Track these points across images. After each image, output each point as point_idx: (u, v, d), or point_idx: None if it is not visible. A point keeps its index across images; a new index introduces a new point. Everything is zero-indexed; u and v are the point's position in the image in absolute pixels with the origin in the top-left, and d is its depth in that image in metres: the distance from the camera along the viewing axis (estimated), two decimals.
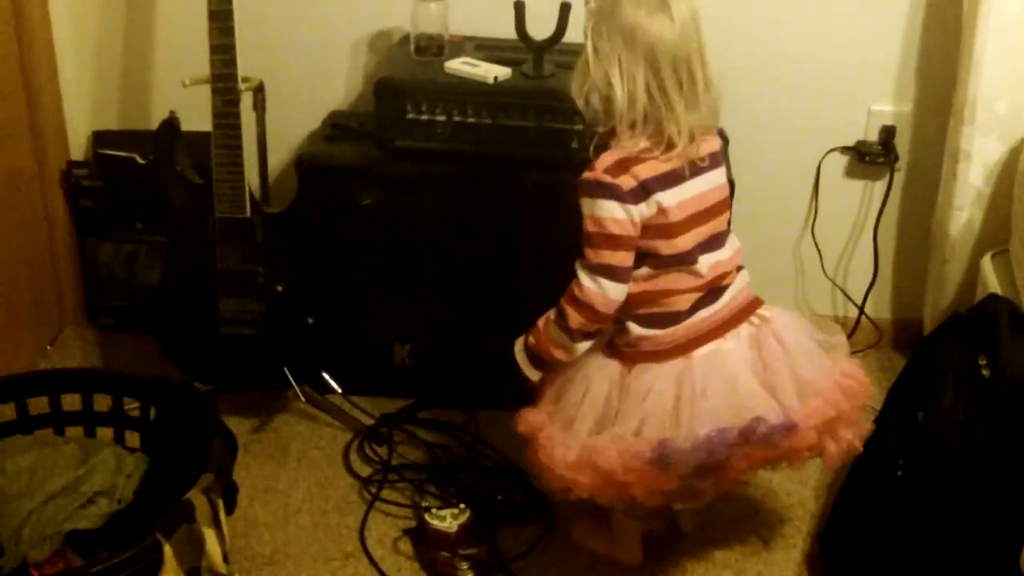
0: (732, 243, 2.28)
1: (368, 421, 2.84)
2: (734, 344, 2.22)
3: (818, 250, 3.11)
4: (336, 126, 2.87)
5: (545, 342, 2.23)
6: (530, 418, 2.27)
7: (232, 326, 2.73)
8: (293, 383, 2.78)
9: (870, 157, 3.01)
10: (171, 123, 2.68)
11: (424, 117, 2.66)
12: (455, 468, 2.72)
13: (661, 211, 2.12)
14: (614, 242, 2.11)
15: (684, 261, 2.17)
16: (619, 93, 2.09)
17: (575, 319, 2.16)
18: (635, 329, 2.20)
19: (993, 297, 2.48)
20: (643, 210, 2.11)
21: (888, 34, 2.92)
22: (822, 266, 3.13)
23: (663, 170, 2.12)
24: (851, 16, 2.90)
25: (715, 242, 2.22)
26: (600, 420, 2.19)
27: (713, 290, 2.22)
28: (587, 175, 2.13)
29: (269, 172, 2.86)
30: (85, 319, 3.20)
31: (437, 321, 2.85)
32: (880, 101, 2.99)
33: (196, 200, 2.66)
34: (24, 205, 2.96)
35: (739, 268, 2.29)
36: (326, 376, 2.82)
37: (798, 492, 2.68)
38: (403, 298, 2.83)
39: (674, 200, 2.13)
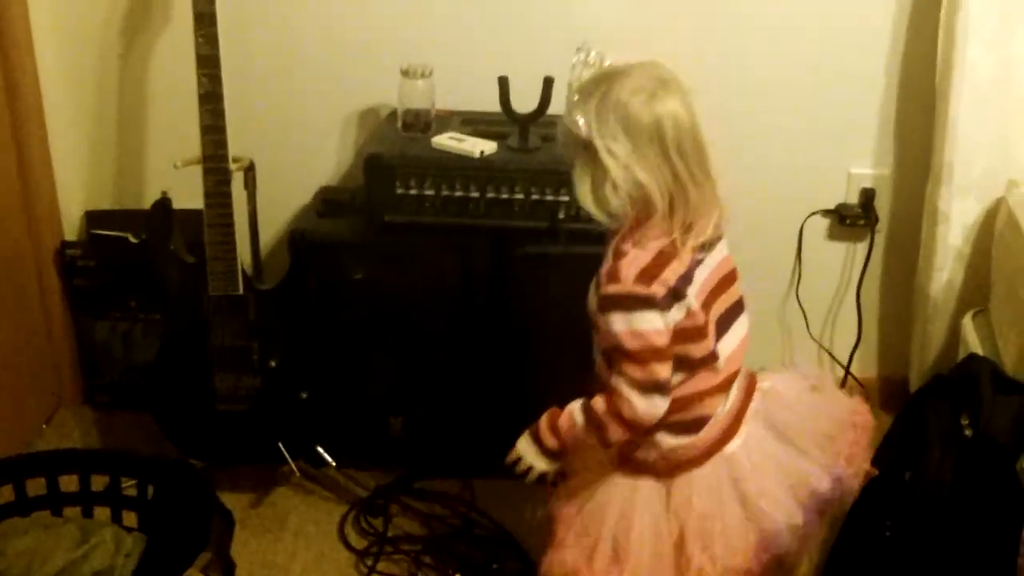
0: (741, 328, 2.16)
1: (363, 493, 2.87)
2: (750, 427, 2.15)
3: (803, 312, 3.15)
4: (327, 201, 2.91)
5: (569, 442, 2.11)
6: (566, 560, 2.13)
7: (227, 402, 2.76)
8: (288, 458, 2.80)
9: (851, 219, 3.06)
10: (164, 203, 2.72)
11: (413, 192, 2.70)
12: (451, 538, 2.74)
13: (690, 313, 2.01)
14: (660, 354, 1.99)
15: (710, 360, 2.07)
16: (652, 189, 1.97)
17: (618, 434, 2.03)
18: (667, 441, 2.09)
19: (973, 357, 2.52)
20: (675, 315, 2.00)
21: (866, 99, 2.98)
22: (807, 327, 3.17)
23: (685, 268, 2.01)
24: (829, 82, 2.96)
25: (726, 321, 2.11)
26: (657, 551, 2.08)
27: (731, 383, 2.15)
28: (615, 288, 1.99)
29: (261, 248, 2.90)
30: (81, 397, 3.22)
31: (430, 392, 2.88)
32: (859, 164, 3.05)
33: (189, 278, 2.70)
34: (19, 285, 3.00)
35: None
36: (320, 450, 2.84)
37: None
38: (396, 370, 2.86)
39: (695, 294, 2.02)
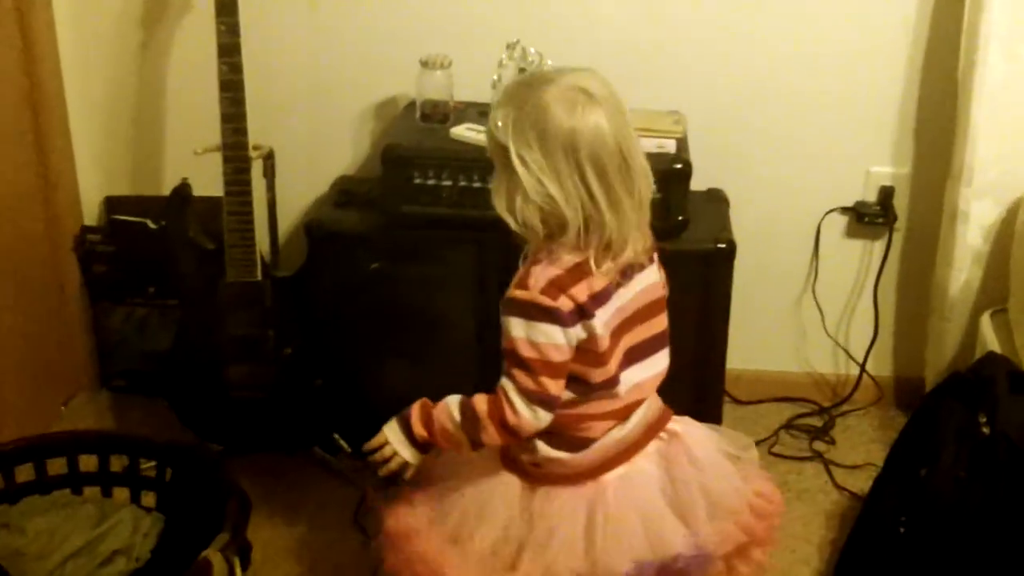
0: (660, 361, 2.09)
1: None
2: (644, 463, 2.06)
3: (819, 309, 3.15)
4: (344, 191, 2.92)
5: (439, 435, 2.01)
6: (406, 517, 2.08)
7: (242, 390, 2.77)
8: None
9: (869, 218, 3.06)
10: (183, 190, 2.74)
11: (430, 183, 2.71)
12: None
13: (592, 337, 1.93)
14: (555, 370, 1.91)
15: (609, 384, 1.99)
16: (563, 205, 1.87)
17: (494, 438, 1.96)
18: (543, 449, 2.02)
19: (991, 356, 2.52)
20: (579, 333, 1.92)
21: (886, 97, 2.98)
22: (823, 325, 3.17)
23: (598, 288, 1.93)
24: (849, 80, 2.96)
25: (641, 352, 2.04)
26: (498, 548, 2.02)
27: (628, 413, 2.06)
28: (521, 294, 1.91)
29: (279, 237, 2.91)
30: (98, 382, 3.24)
31: (444, 382, 2.87)
32: (878, 163, 3.04)
33: (207, 265, 2.71)
34: (38, 270, 3.01)
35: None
36: (336, 437, 2.85)
37: (803, 549, 2.71)
38: (410, 360, 2.87)
39: (603, 320, 1.94)
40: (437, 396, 2.04)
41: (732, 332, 2.84)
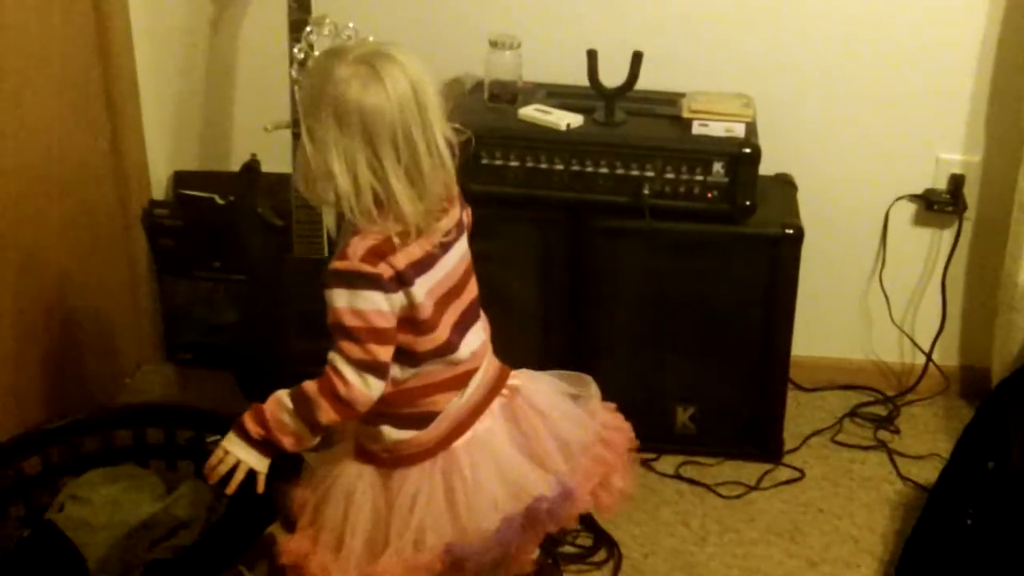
0: (484, 325, 2.14)
1: None
2: (489, 422, 2.07)
3: (886, 297, 3.12)
4: None
5: (276, 429, 1.96)
6: (292, 547, 2.04)
7: (307, 365, 2.78)
8: None
9: (938, 206, 3.02)
10: (252, 165, 2.76)
11: (498, 163, 2.72)
12: None
13: (413, 305, 1.94)
14: (381, 336, 1.91)
15: (444, 351, 2.01)
16: (341, 181, 1.87)
17: (329, 415, 1.93)
18: (390, 433, 2.02)
19: None
20: (400, 299, 1.93)
21: (958, 84, 2.94)
22: (890, 313, 3.14)
23: (417, 256, 1.94)
24: (921, 65, 2.93)
25: (471, 317, 2.09)
26: (371, 538, 2.01)
27: (467, 380, 2.07)
28: (340, 264, 1.90)
29: None
30: (163, 354, 3.27)
31: (507, 360, 2.88)
32: (949, 150, 3.00)
33: (274, 241, 2.73)
34: (107, 243, 3.05)
35: None
36: None
37: (867, 538, 2.69)
38: None
39: (424, 288, 1.95)
40: None
41: (797, 318, 2.82)
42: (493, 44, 2.79)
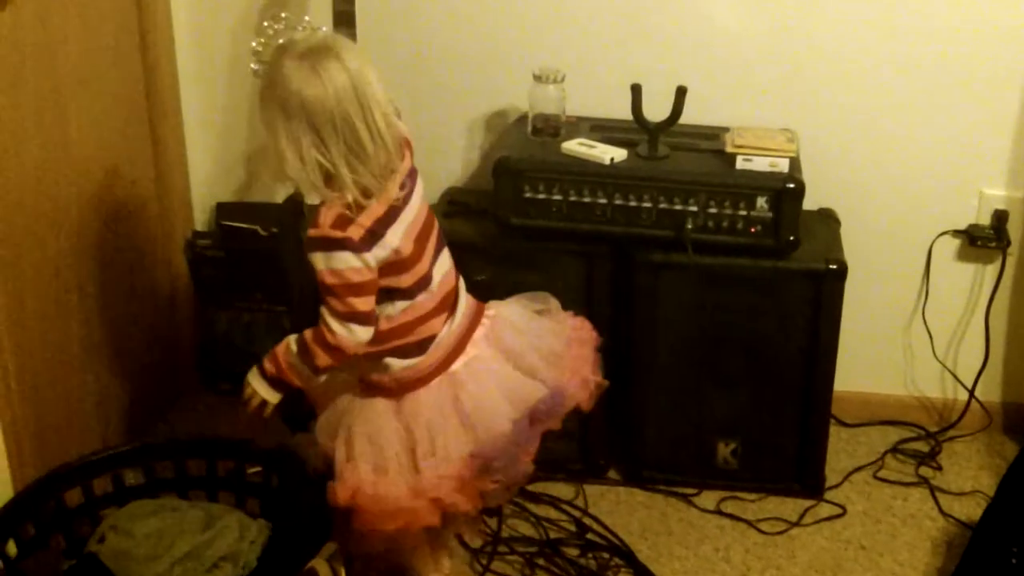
0: (448, 255, 2.35)
1: None
2: (477, 350, 2.31)
3: (929, 333, 3.10)
4: (453, 202, 2.94)
5: (286, 371, 2.27)
6: (340, 488, 2.25)
7: None
8: None
9: (982, 241, 3.00)
10: (295, 197, 2.76)
11: (541, 196, 2.72)
12: (564, 543, 2.74)
13: (395, 251, 2.17)
14: (357, 289, 2.15)
15: (425, 283, 2.25)
16: (291, 160, 2.11)
17: (324, 360, 2.20)
18: (396, 363, 2.26)
19: None
20: (378, 254, 2.15)
21: (1002, 119, 2.92)
22: (932, 349, 3.12)
23: (381, 212, 2.16)
24: (965, 100, 2.91)
25: (438, 247, 2.30)
26: (404, 458, 2.24)
27: (449, 303, 2.31)
28: (313, 232, 2.15)
29: None
30: (202, 384, 3.28)
31: None
32: (992, 185, 2.99)
33: None
34: (149, 272, 3.06)
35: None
36: None
37: None
38: None
39: (399, 233, 2.18)
40: None
41: (839, 352, 2.81)
42: (537, 78, 2.80)
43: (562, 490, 2.91)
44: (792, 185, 2.65)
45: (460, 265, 2.60)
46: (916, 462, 3.06)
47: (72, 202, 2.66)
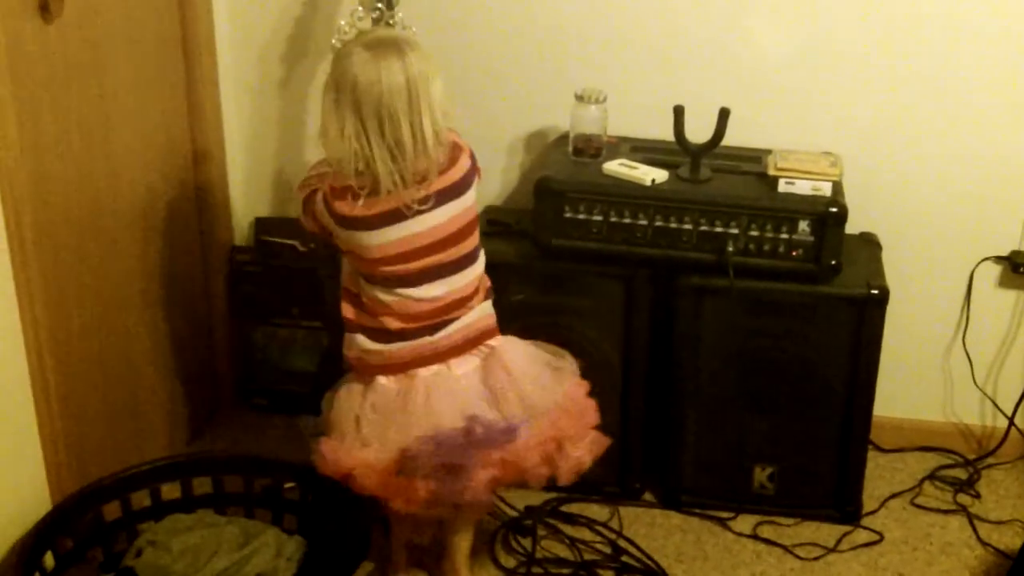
0: (460, 280, 2.38)
1: (513, 513, 2.87)
2: (463, 370, 2.38)
3: (969, 359, 3.08)
4: (493, 222, 2.93)
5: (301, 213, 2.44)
6: (345, 459, 2.36)
7: None
8: None
9: None
10: None
11: (581, 217, 2.72)
12: (598, 565, 2.73)
13: (361, 246, 2.30)
14: (311, 216, 2.38)
15: (393, 284, 2.32)
16: (332, 134, 2.24)
17: (307, 224, 2.43)
18: (364, 342, 2.38)
19: None
20: (348, 237, 2.31)
21: None
22: (972, 375, 3.10)
23: (387, 208, 2.26)
24: (1009, 126, 2.90)
25: (447, 270, 2.35)
26: (361, 434, 2.36)
27: (438, 322, 2.36)
28: (323, 188, 2.31)
29: None
30: (239, 400, 3.29)
31: None
32: None
33: None
34: (188, 287, 3.07)
35: (486, 296, 2.46)
36: None
37: None
38: None
39: (383, 239, 2.28)
40: None
41: (878, 377, 2.79)
42: (579, 98, 2.80)
43: (597, 512, 2.90)
44: (835, 209, 2.64)
45: (498, 285, 2.61)
46: (954, 489, 3.04)
47: (114, 216, 2.67)
